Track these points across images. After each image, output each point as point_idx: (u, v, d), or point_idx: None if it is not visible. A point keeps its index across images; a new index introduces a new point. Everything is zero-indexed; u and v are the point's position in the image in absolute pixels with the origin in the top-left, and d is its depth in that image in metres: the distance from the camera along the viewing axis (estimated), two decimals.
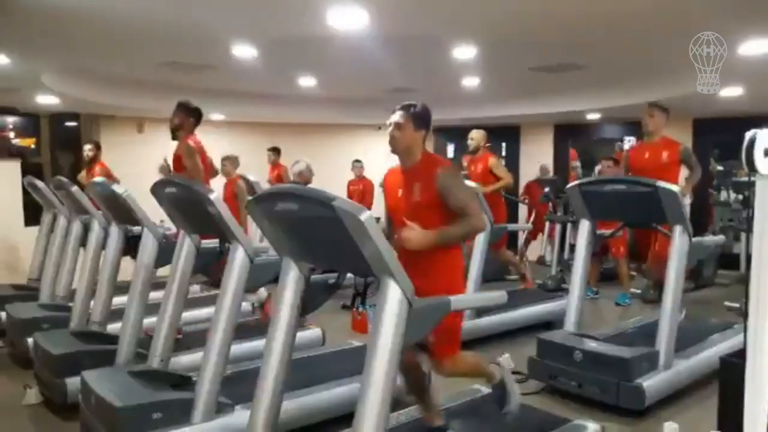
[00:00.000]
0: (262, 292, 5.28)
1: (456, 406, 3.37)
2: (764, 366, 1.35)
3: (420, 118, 2.79)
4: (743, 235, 7.59)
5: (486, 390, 3.49)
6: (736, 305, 5.90)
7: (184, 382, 3.16)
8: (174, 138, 4.45)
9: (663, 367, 3.75)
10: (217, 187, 4.30)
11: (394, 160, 2.92)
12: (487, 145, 6.42)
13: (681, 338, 3.92)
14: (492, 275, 6.05)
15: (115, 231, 4.12)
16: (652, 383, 3.60)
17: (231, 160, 6.61)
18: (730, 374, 2.63)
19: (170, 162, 4.63)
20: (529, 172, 9.63)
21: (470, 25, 4.49)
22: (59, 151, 9.34)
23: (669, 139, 4.78)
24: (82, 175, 6.51)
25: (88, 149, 6.42)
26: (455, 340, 2.79)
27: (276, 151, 8.67)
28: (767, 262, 1.35)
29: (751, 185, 1.40)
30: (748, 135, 1.30)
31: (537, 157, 10.04)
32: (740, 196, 8.03)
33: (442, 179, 2.69)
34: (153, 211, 3.79)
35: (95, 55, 5.56)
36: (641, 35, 4.67)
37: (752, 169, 1.31)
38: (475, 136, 6.18)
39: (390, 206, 2.92)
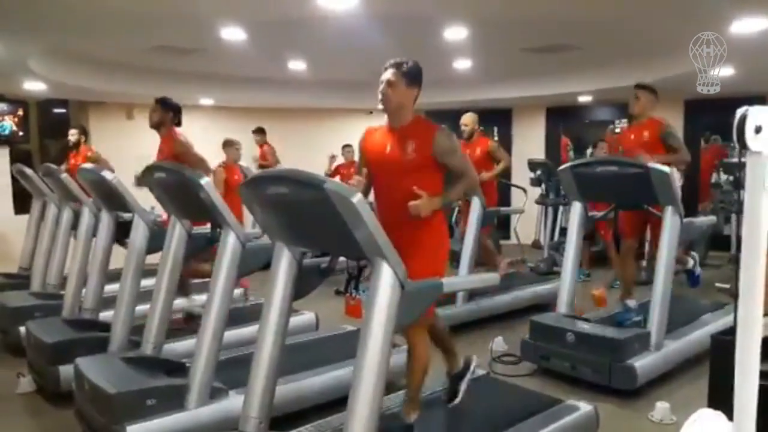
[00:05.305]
0: (196, 304, 4.82)
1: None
2: (754, 343, 1.36)
3: (412, 76, 2.78)
4: (734, 216, 7.63)
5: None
6: (727, 286, 5.95)
7: (177, 368, 3.16)
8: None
9: (654, 348, 3.79)
10: None
11: None
12: (480, 128, 6.17)
13: (673, 319, 3.96)
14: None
15: (105, 218, 4.10)
16: (643, 363, 3.64)
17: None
18: (720, 351, 2.66)
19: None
20: (521, 156, 9.62)
21: (461, 5, 4.45)
22: (48, 138, 9.27)
23: (654, 118, 4.67)
24: (66, 165, 6.38)
25: (72, 134, 6.31)
26: None
27: (260, 131, 8.62)
28: (756, 241, 1.35)
29: (742, 166, 1.39)
30: (739, 112, 1.30)
31: (529, 140, 10.02)
32: (731, 177, 8.06)
33: (441, 140, 2.75)
34: (144, 198, 3.78)
35: (82, 40, 5.47)
36: (633, 16, 4.64)
37: (743, 146, 1.31)
38: (468, 121, 5.87)
39: (373, 162, 2.86)
